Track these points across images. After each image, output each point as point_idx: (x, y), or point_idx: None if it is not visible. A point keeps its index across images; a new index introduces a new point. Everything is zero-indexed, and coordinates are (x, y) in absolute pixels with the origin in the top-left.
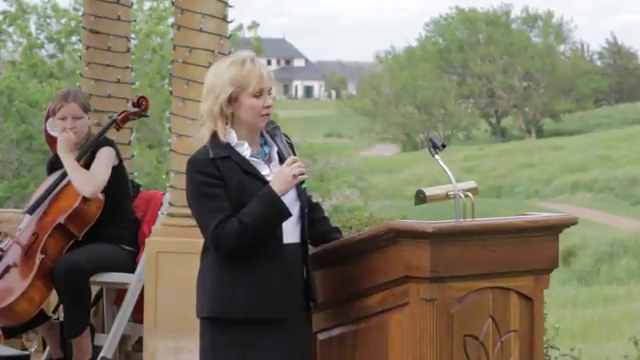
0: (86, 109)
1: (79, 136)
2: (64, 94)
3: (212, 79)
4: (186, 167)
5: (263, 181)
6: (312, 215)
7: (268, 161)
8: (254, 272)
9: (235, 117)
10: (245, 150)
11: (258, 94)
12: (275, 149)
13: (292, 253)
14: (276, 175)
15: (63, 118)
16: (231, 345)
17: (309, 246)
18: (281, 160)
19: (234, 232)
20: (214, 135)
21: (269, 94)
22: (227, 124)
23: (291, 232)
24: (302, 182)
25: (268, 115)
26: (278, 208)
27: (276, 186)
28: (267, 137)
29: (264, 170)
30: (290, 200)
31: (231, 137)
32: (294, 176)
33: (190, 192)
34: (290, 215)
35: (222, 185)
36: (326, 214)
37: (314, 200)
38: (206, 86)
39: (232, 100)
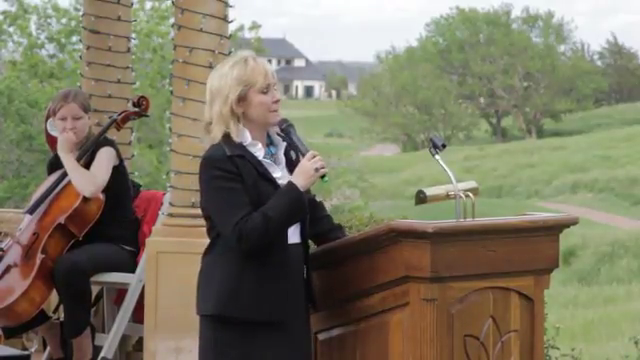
0: (86, 109)
1: (79, 136)
2: (64, 94)
3: (217, 82)
4: (201, 165)
5: (274, 183)
6: (315, 214)
7: (276, 163)
8: (259, 272)
9: (246, 116)
10: (258, 151)
11: (265, 90)
12: (281, 150)
13: (294, 253)
14: (298, 170)
15: (63, 118)
16: (231, 344)
17: (310, 245)
18: (287, 160)
19: (258, 226)
20: (226, 136)
21: (275, 90)
22: (240, 123)
23: (293, 232)
24: (323, 176)
25: (277, 111)
26: (302, 203)
27: (299, 181)
28: (274, 137)
29: (276, 172)
30: None
31: (245, 137)
32: (316, 170)
33: (207, 188)
34: (307, 213)
35: (240, 180)
36: (328, 213)
37: (317, 199)
38: (211, 90)
39: (241, 99)
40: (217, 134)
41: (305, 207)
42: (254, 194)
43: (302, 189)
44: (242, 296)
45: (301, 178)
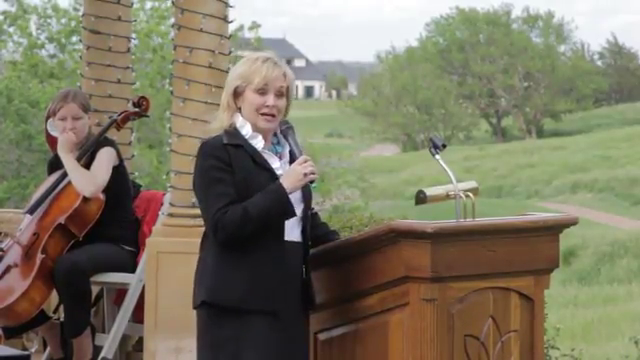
0: (86, 109)
1: (79, 136)
2: (64, 95)
3: (230, 73)
4: (198, 150)
5: (272, 173)
6: (312, 221)
7: (279, 157)
8: (253, 264)
9: (242, 112)
10: (259, 142)
11: (262, 91)
12: (287, 149)
13: (292, 251)
14: (287, 172)
15: (63, 119)
16: (226, 337)
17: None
18: (292, 160)
19: (236, 219)
20: (228, 126)
21: (279, 96)
22: (239, 116)
23: (292, 230)
24: (312, 181)
25: (270, 116)
26: (285, 205)
27: (286, 183)
28: (280, 138)
29: (275, 163)
30: (295, 199)
31: (246, 129)
32: (305, 175)
33: (197, 174)
34: (294, 215)
35: (230, 171)
36: (324, 221)
37: (314, 210)
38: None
39: (238, 94)
40: (217, 122)
41: (291, 208)
42: (243, 187)
43: (288, 191)
44: (234, 284)
45: (288, 181)
